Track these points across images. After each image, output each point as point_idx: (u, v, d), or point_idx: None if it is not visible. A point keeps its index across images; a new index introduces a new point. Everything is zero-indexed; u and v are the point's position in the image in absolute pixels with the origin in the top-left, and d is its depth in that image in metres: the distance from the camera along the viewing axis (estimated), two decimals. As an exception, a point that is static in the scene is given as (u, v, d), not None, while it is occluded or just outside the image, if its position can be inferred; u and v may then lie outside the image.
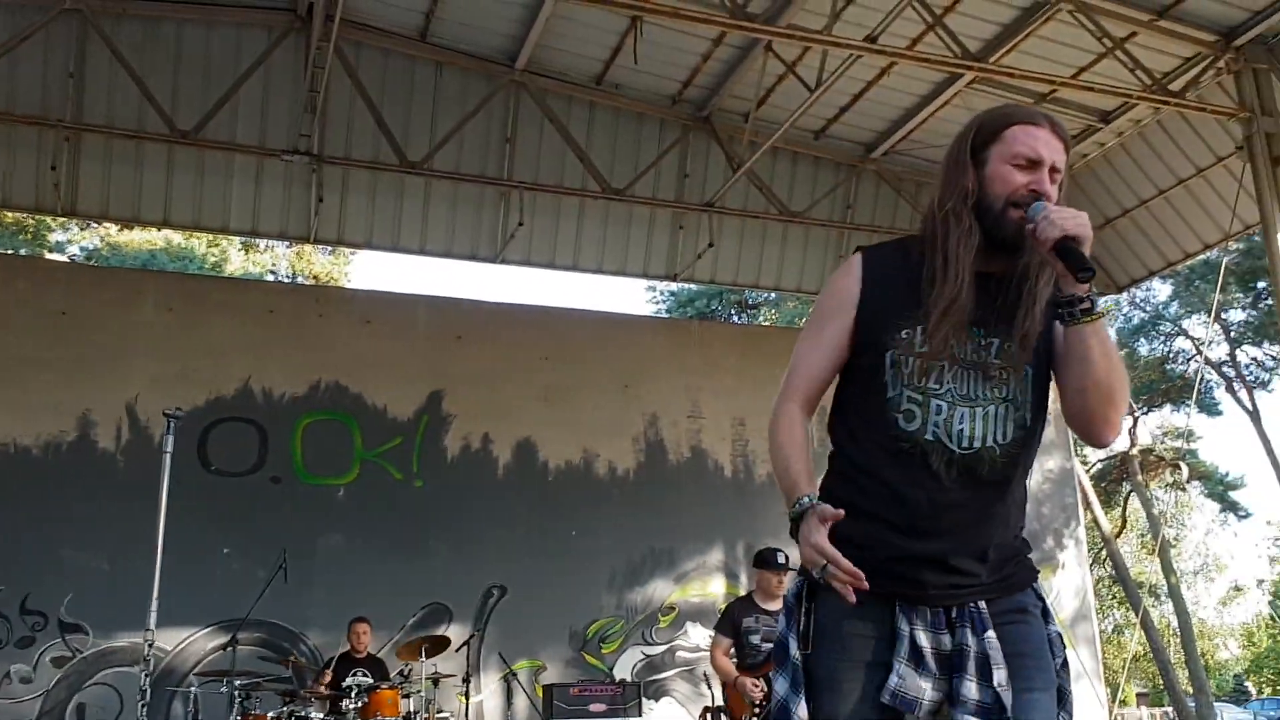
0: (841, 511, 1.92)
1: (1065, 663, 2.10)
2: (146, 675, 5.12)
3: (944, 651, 1.98)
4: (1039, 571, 2.15)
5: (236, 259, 21.44)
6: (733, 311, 24.88)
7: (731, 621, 6.10)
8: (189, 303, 9.43)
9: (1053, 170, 2.03)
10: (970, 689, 1.92)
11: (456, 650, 8.32)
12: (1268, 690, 33.63)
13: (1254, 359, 25.31)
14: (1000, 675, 1.92)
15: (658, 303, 25.25)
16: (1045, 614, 2.10)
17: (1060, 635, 2.11)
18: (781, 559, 6.07)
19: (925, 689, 1.94)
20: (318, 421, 9.31)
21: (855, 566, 1.93)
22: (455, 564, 9.36)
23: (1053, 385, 2.12)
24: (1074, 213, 1.93)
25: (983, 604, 2.00)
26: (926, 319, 2.00)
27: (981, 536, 2.00)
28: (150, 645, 5.10)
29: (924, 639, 1.97)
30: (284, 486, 9.11)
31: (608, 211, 10.87)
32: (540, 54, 9.79)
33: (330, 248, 21.56)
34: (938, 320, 1.99)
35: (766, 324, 23.59)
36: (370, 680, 7.61)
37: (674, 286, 23.00)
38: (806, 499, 1.97)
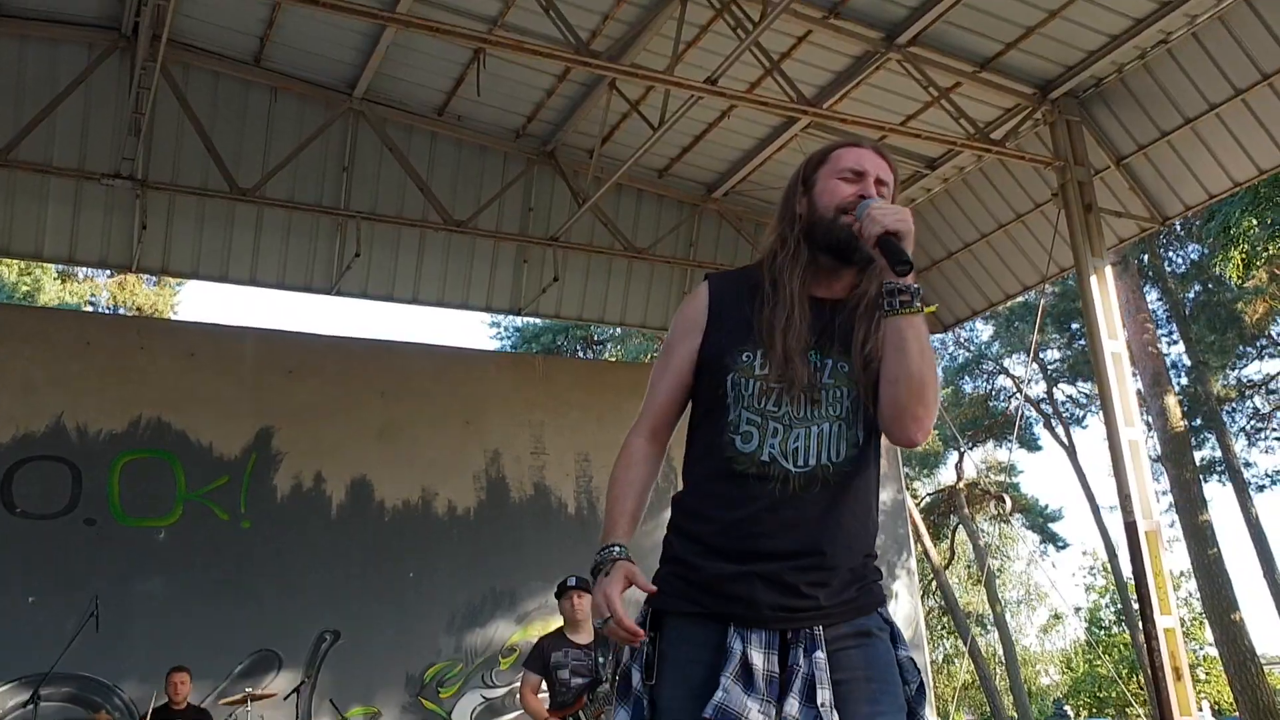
0: (654, 588, 2.01)
1: (921, 686, 2.08)
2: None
3: (775, 674, 1.95)
4: (886, 597, 2.13)
5: (52, 289, 20.23)
6: (579, 347, 24.90)
7: (541, 657, 5.87)
8: (-6, 333, 8.80)
9: (879, 182, 2.14)
10: (792, 706, 1.91)
11: (285, 698, 7.94)
12: (1085, 713, 35.32)
13: (1069, 397, 26.81)
14: (824, 695, 1.91)
15: (502, 338, 25.07)
16: (895, 638, 2.08)
17: (913, 660, 2.09)
18: (572, 581, 5.93)
19: (751, 708, 1.90)
20: (137, 460, 8.79)
21: (689, 585, 2.01)
22: (285, 609, 8.94)
23: None
24: (896, 209, 2.01)
25: (819, 629, 1.98)
26: (764, 342, 2.06)
27: (818, 555, 2.00)
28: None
29: (756, 658, 1.95)
30: (99, 529, 8.55)
31: (449, 243, 10.71)
32: (380, 82, 9.61)
33: (155, 278, 20.64)
34: (774, 342, 2.04)
35: (611, 359, 23.66)
36: (190, 733, 7.18)
37: (519, 322, 22.91)
38: (617, 549, 2.02)
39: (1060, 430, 26.82)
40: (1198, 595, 22.85)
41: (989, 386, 27.43)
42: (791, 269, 2.10)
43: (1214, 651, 22.30)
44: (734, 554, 2.00)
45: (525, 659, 6.10)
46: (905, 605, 11.52)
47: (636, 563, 2.00)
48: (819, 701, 1.91)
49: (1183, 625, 8.87)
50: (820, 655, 1.95)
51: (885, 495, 11.50)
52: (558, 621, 5.93)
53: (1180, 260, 22.55)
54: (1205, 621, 23.62)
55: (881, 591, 2.11)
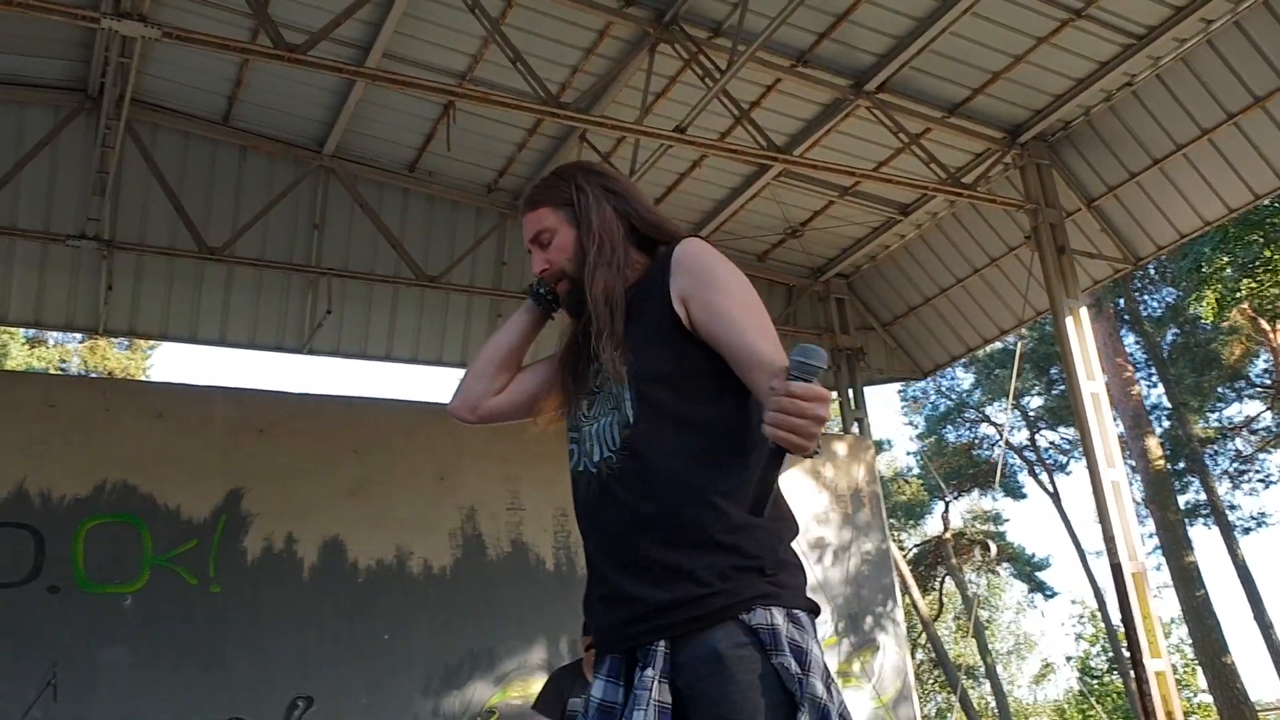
0: None
1: (794, 702, 1.73)
2: None
3: (611, 703, 1.87)
4: (758, 596, 1.81)
5: (19, 354, 19.99)
6: (557, 404, 24.78)
7: (559, 699, 5.13)
8: (-46, 398, 8.61)
9: (536, 241, 2.20)
10: None
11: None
12: (1080, 764, 34.82)
13: (1052, 443, 26.80)
14: (640, 717, 1.77)
15: (481, 397, 24.92)
16: (762, 647, 1.77)
17: (788, 668, 1.75)
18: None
19: None
20: (102, 524, 8.56)
21: None
22: (256, 675, 8.67)
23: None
24: (804, 427, 1.56)
25: (660, 645, 1.82)
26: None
27: (626, 547, 1.91)
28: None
29: (597, 688, 1.90)
30: (62, 597, 8.29)
31: (422, 299, 10.64)
32: (350, 139, 9.59)
33: (127, 342, 20.46)
34: (561, 374, 2.22)
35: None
36: (155, 809, 6.91)
37: (497, 380, 22.74)
38: None
39: (1044, 477, 26.79)
40: (1189, 642, 22.66)
41: (972, 435, 27.43)
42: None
43: (1208, 699, 22.07)
44: (588, 575, 2.03)
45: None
46: (893, 657, 11.31)
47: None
48: None
49: (1175, 672, 8.69)
50: (649, 674, 1.80)
51: (869, 544, 11.36)
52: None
53: (1156, 304, 22.70)
54: (1198, 669, 23.40)
55: (744, 588, 1.81)
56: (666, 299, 1.98)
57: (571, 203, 2.14)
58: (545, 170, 9.93)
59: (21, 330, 18.92)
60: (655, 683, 1.78)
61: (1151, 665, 7.91)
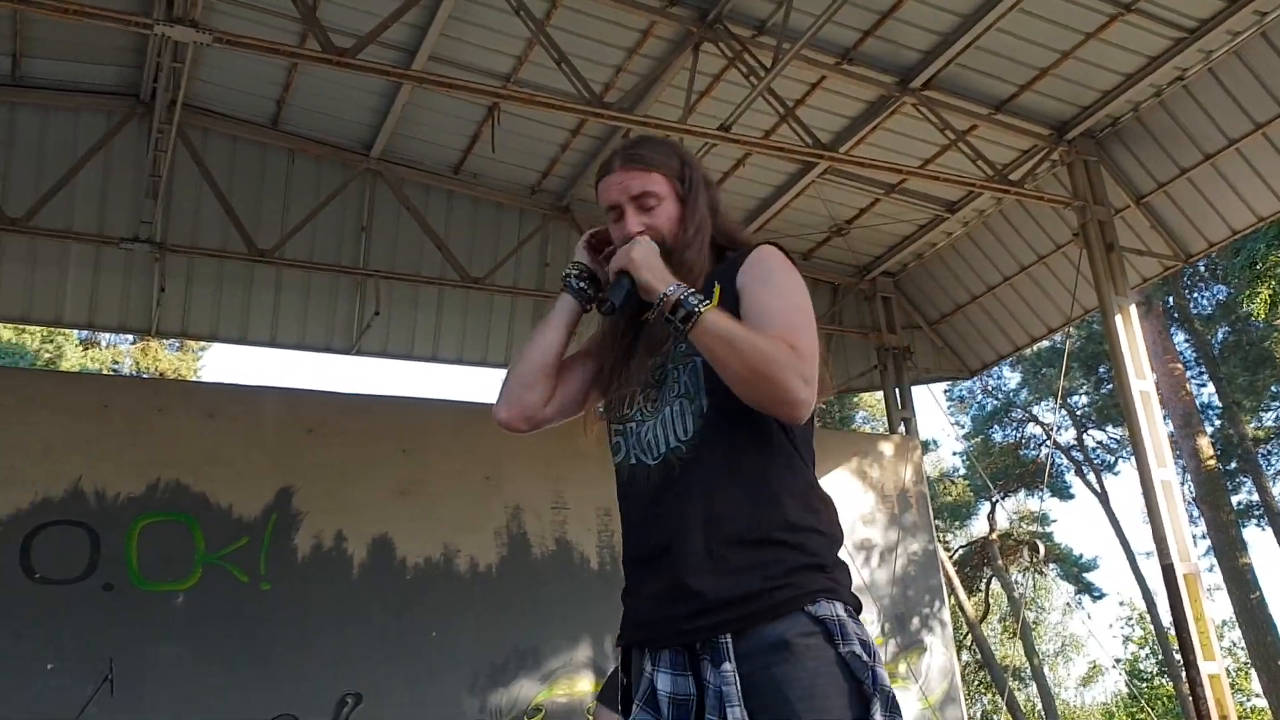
0: None
1: (861, 689, 1.76)
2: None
3: (687, 696, 1.83)
4: (820, 590, 1.84)
5: (73, 356, 20.33)
6: (600, 404, 24.82)
7: (622, 692, 5.30)
8: (10, 397, 8.76)
9: (638, 201, 2.10)
10: None
11: (305, 765, 7.77)
12: (1130, 768, 34.31)
13: (1099, 442, 26.43)
14: (736, 713, 1.73)
15: (525, 397, 25.01)
16: (830, 637, 1.79)
17: (860, 657, 1.78)
18: None
19: None
20: (155, 523, 8.70)
21: (623, 618, 2.02)
22: (305, 671, 8.78)
23: None
24: (625, 248, 2.04)
25: (726, 639, 1.79)
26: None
27: (690, 540, 1.86)
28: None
29: (663, 682, 1.86)
30: (117, 594, 8.44)
31: (467, 300, 10.72)
32: (396, 142, 9.68)
33: (178, 343, 20.77)
34: (602, 370, 2.16)
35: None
36: (208, 802, 7.02)
37: (540, 380, 22.83)
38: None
39: (1092, 477, 26.43)
40: (1242, 644, 22.27)
41: (1019, 435, 27.11)
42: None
43: (1262, 703, 21.67)
44: (631, 572, 1.97)
45: (601, 689, 5.54)
46: (940, 658, 11.23)
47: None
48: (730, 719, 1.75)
49: (1228, 675, 8.54)
50: (728, 666, 1.77)
51: (916, 545, 11.28)
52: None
53: (1206, 302, 22.32)
54: (1251, 672, 22.99)
55: (809, 582, 1.83)
56: (733, 294, 2.00)
57: (684, 179, 2.12)
58: (589, 172, 9.96)
59: (75, 332, 19.29)
60: (735, 676, 1.77)
61: (1205, 668, 7.79)
